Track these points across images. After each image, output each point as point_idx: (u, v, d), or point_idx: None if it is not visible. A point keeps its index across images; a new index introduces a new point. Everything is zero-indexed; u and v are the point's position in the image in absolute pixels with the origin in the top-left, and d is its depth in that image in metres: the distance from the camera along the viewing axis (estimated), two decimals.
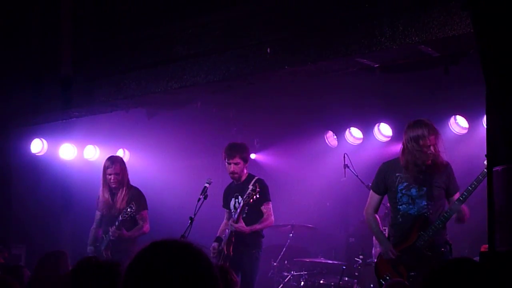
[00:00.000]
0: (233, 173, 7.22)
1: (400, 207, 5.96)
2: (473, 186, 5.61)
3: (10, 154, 9.28)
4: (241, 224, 7.03)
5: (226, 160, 7.26)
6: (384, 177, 6.10)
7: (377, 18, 5.93)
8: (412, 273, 5.75)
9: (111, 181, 7.72)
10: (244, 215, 7.12)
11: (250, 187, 7.01)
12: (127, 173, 7.84)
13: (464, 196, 5.70)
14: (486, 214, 3.83)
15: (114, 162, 7.81)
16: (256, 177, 7.29)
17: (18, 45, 8.20)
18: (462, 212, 5.81)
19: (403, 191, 5.94)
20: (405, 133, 5.96)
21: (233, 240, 7.05)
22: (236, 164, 7.18)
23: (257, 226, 7.11)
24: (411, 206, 5.91)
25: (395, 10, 5.82)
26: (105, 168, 7.79)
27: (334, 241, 9.54)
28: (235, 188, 7.35)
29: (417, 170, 5.84)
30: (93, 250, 7.86)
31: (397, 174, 6.01)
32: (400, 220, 5.97)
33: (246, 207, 7.07)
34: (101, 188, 7.86)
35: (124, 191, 7.74)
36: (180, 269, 2.01)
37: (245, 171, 7.30)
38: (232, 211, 7.30)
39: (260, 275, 7.86)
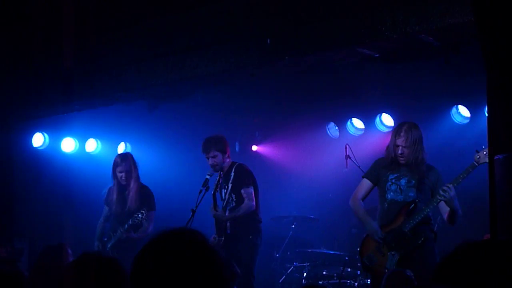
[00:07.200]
0: (213, 166, 7.31)
1: (388, 195, 6.17)
2: (463, 176, 5.80)
3: (12, 148, 9.27)
4: (220, 212, 7.20)
5: (204, 155, 7.35)
6: (378, 168, 6.33)
7: (377, 8, 5.91)
8: (393, 253, 5.99)
9: (122, 178, 7.76)
10: (234, 204, 7.25)
11: (232, 174, 7.24)
12: (137, 170, 7.88)
13: (455, 182, 5.81)
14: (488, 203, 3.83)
15: (125, 159, 7.86)
16: (236, 164, 7.40)
17: (19, 38, 8.18)
18: (453, 204, 5.87)
19: (393, 180, 6.17)
20: None
21: (222, 228, 7.18)
22: (213, 157, 7.28)
23: (237, 214, 7.17)
24: (398, 194, 6.12)
25: None
26: (115, 165, 7.83)
27: (336, 232, 9.53)
28: (223, 178, 7.45)
29: (396, 165, 6.13)
30: (101, 247, 7.87)
31: (392, 166, 6.22)
32: (387, 206, 6.18)
33: (233, 195, 7.25)
34: (112, 185, 7.91)
35: (135, 189, 7.76)
36: (191, 264, 2.00)
37: (227, 160, 7.37)
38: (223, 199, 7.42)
39: (262, 267, 7.86)
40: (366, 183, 6.39)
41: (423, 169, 6.09)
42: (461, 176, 5.79)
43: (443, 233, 6.63)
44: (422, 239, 5.95)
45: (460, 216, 5.95)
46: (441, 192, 5.80)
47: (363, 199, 6.42)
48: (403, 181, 6.11)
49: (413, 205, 6.01)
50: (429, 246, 6.04)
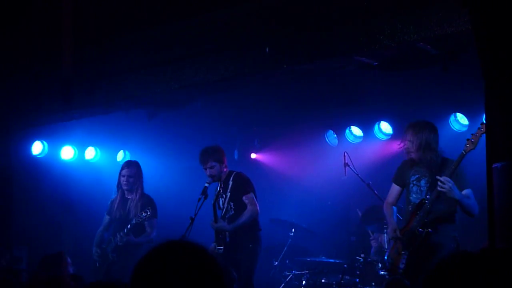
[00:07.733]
0: (211, 176, 7.33)
1: (411, 197, 6.28)
2: (454, 166, 5.90)
3: (11, 156, 9.27)
4: (221, 224, 7.19)
5: (202, 166, 7.37)
6: (401, 170, 6.46)
7: (376, 16, 5.93)
8: (403, 252, 6.08)
9: (124, 182, 7.84)
10: (233, 212, 7.26)
11: (230, 183, 7.26)
12: (142, 179, 7.97)
13: (448, 174, 5.89)
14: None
15: (130, 165, 8.01)
16: (234, 172, 7.41)
17: (18, 47, 8.19)
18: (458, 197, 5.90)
19: (414, 182, 6.28)
20: None
21: (221, 237, 7.17)
22: (211, 167, 7.31)
23: (240, 221, 7.14)
24: (419, 195, 6.21)
25: (393, 8, 5.83)
26: (121, 169, 7.99)
27: (335, 240, 9.52)
28: (221, 187, 7.45)
29: (415, 164, 6.24)
30: (99, 252, 7.91)
31: (414, 168, 6.34)
32: (410, 208, 6.27)
33: (232, 203, 7.26)
34: (115, 196, 8.03)
35: (137, 197, 7.88)
36: (191, 273, 2.00)
37: (225, 170, 7.40)
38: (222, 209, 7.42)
39: (261, 275, 7.85)
40: (394, 188, 6.52)
41: (437, 166, 6.13)
42: (453, 167, 5.88)
43: None
44: (426, 230, 5.97)
45: (469, 205, 5.96)
46: (439, 184, 5.85)
47: (394, 203, 6.53)
48: (422, 182, 6.22)
49: (421, 203, 6.09)
50: (443, 253, 5.95)
